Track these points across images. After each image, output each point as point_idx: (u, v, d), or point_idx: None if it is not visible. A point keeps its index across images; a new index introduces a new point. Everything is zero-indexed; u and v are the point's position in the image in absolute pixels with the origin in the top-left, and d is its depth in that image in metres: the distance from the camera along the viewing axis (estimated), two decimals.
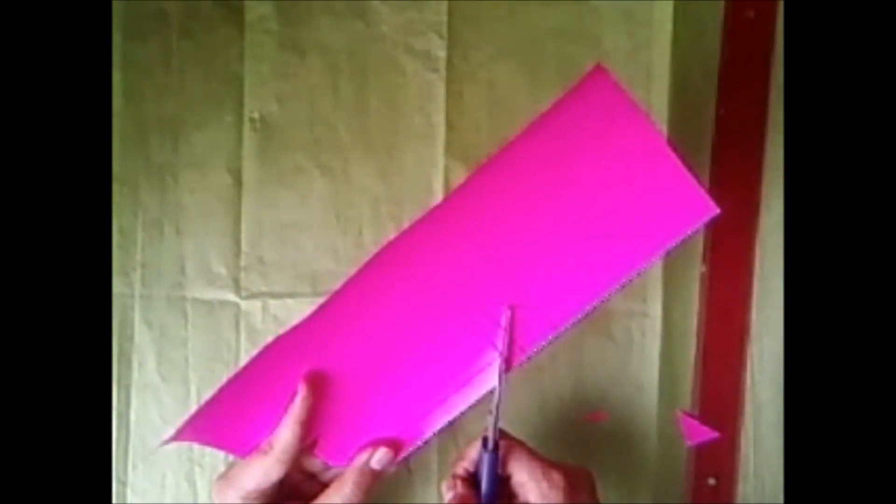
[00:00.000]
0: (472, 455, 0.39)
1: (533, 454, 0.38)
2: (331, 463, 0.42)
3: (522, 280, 0.41)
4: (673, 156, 0.38)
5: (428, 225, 0.43)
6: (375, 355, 0.42)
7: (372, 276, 0.43)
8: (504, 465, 0.38)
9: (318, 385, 0.41)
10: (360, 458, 0.40)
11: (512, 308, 0.40)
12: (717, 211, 0.38)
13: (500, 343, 0.40)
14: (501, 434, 0.38)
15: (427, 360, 0.41)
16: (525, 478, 0.37)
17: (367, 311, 0.42)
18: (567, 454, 0.45)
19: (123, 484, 0.47)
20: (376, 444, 0.41)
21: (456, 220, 0.42)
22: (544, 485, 0.36)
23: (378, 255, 0.43)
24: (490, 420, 0.38)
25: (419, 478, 0.47)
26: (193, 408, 0.46)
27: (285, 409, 0.40)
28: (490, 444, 0.38)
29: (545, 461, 0.38)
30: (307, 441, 0.41)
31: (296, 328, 0.43)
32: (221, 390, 0.43)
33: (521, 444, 0.39)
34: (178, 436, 0.42)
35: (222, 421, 0.42)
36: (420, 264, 0.42)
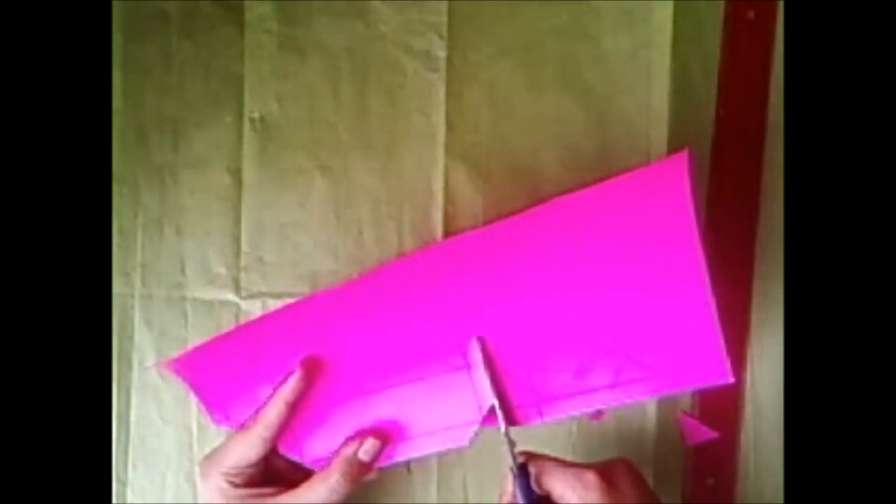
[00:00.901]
0: (509, 487, 0.39)
1: (563, 463, 0.39)
2: (296, 459, 0.42)
3: (511, 348, 0.40)
4: (711, 305, 0.36)
5: (450, 249, 0.43)
6: (372, 368, 0.42)
7: (393, 284, 0.43)
8: (540, 483, 0.38)
9: (312, 372, 0.42)
10: (348, 449, 0.41)
11: (481, 339, 0.40)
12: (732, 380, 0.36)
13: (486, 382, 0.40)
14: (529, 455, 0.39)
15: (418, 395, 0.41)
16: (561, 488, 0.37)
17: (378, 317, 0.42)
18: (566, 455, 0.45)
19: (123, 484, 0.47)
20: (363, 435, 0.41)
21: (471, 257, 0.42)
22: (580, 489, 0.37)
23: (410, 259, 0.43)
24: (506, 450, 0.39)
25: (419, 478, 0.47)
26: (193, 408, 0.46)
27: (275, 387, 0.41)
28: (516, 471, 0.38)
29: (577, 466, 0.38)
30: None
31: (304, 303, 0.43)
32: (226, 336, 0.44)
33: (549, 458, 0.39)
34: (174, 363, 0.43)
35: (214, 372, 0.43)
36: (432, 292, 0.42)
